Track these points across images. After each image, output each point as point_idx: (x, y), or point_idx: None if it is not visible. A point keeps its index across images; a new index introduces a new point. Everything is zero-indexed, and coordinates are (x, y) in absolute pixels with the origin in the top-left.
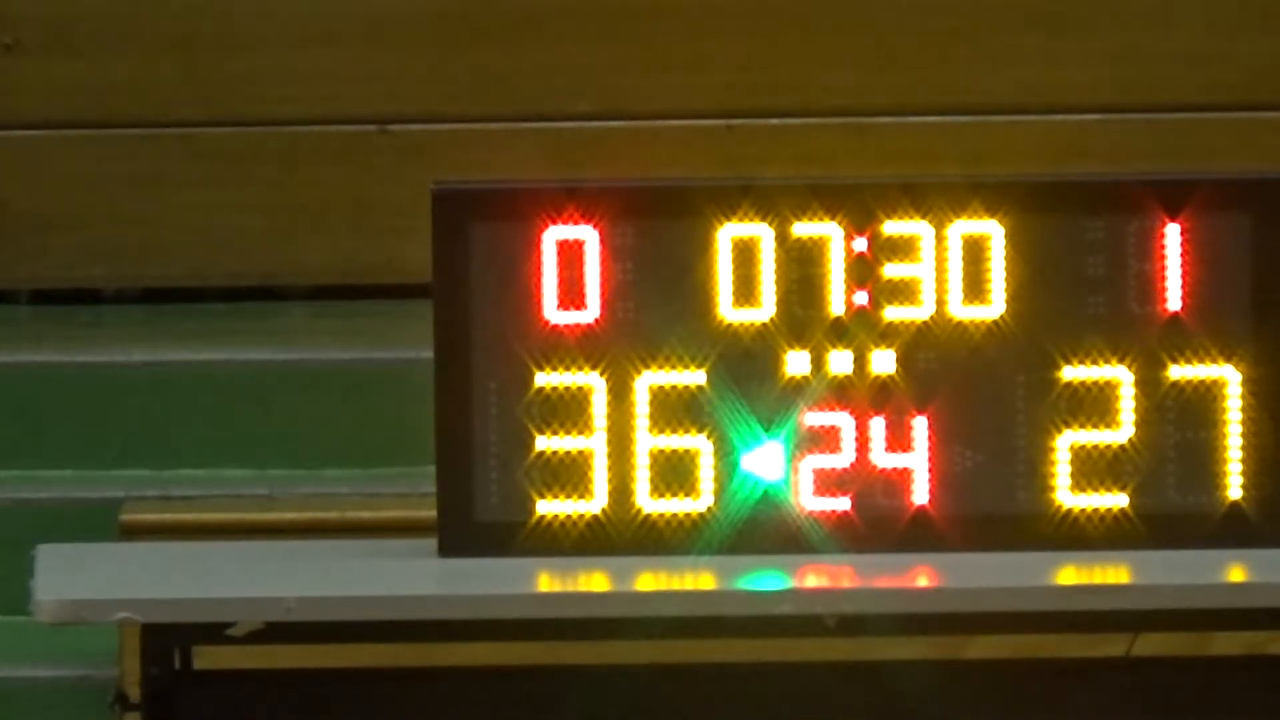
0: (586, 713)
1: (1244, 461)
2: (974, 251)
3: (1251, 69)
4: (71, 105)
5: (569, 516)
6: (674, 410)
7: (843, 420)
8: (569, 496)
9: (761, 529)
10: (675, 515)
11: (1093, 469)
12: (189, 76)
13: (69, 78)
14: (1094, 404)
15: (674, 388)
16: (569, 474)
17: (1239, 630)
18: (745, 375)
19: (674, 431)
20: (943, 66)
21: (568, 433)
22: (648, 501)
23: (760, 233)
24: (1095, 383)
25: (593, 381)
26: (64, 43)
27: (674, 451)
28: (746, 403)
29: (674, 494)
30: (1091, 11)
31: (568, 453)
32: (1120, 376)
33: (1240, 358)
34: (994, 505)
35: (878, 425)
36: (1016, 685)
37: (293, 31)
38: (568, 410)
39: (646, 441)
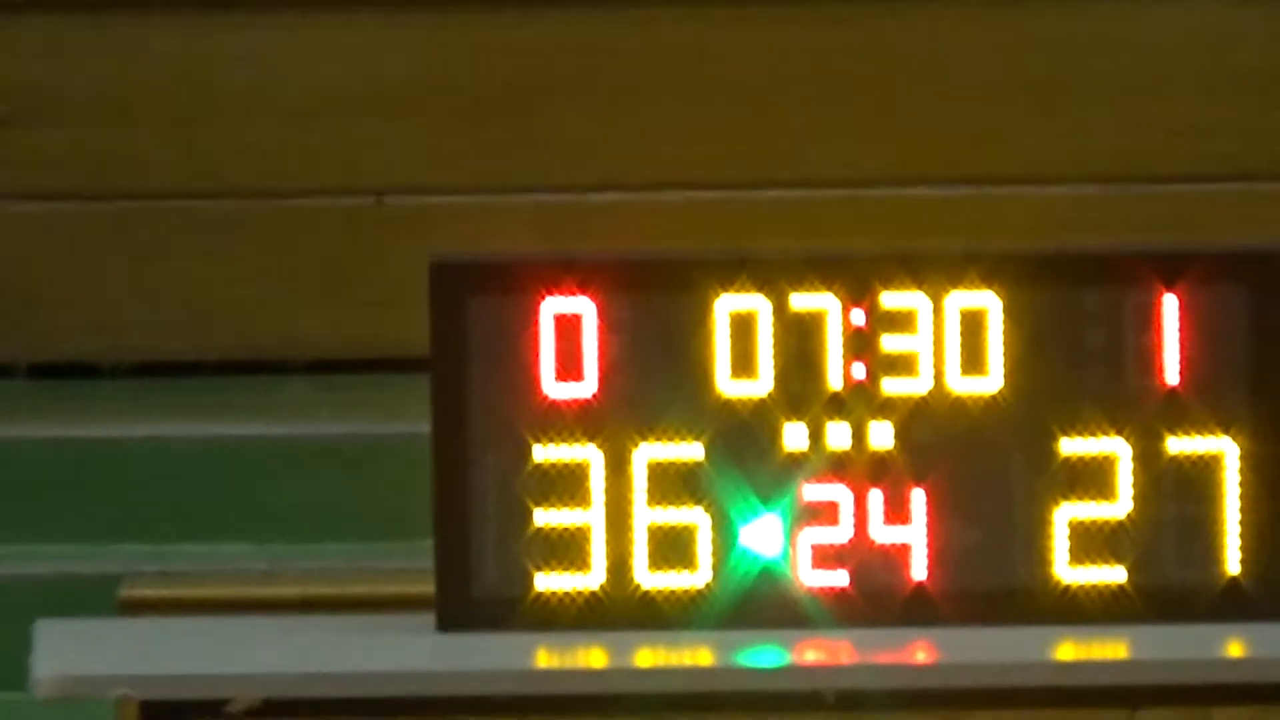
0: None
1: (1243, 536)
2: (971, 323)
3: (1249, 140)
4: (65, 177)
5: (567, 591)
6: (672, 484)
7: (841, 494)
8: (567, 571)
9: (760, 604)
10: (674, 590)
11: (1091, 543)
12: (183, 148)
13: (63, 150)
14: (1092, 477)
15: (672, 461)
16: (567, 548)
17: (1238, 705)
18: (743, 449)
19: (672, 505)
20: (939, 138)
21: (565, 506)
22: (646, 576)
23: (757, 305)
24: (1093, 456)
25: (590, 455)
26: (57, 114)
27: (672, 526)
28: (744, 476)
29: (672, 568)
30: (1088, 83)
31: (565, 527)
32: (1118, 450)
33: (1239, 431)
34: (992, 580)
35: (876, 499)
36: None
37: (288, 103)
38: (565, 484)
39: (645, 515)
